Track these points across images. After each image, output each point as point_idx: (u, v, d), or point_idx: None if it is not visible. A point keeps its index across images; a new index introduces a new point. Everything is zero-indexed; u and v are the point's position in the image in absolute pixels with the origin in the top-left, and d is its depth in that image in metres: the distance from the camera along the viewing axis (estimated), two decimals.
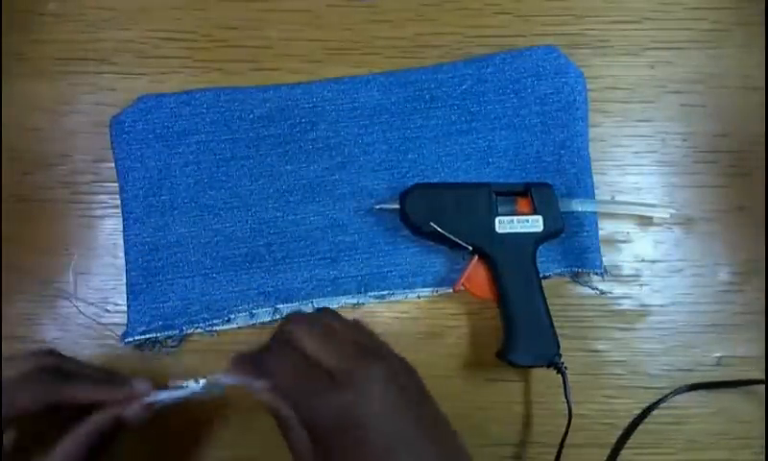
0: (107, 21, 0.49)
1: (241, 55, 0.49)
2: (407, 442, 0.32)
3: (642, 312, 0.47)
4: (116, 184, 0.47)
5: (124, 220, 0.47)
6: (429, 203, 0.45)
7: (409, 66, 0.49)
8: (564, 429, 0.43)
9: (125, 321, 0.46)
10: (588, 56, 0.50)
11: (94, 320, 0.46)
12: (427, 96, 0.48)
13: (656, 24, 0.50)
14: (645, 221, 0.48)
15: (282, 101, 0.48)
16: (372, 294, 0.46)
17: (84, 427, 0.34)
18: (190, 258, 0.46)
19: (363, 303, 0.47)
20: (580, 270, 0.47)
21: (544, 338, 0.43)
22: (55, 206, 0.48)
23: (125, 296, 0.46)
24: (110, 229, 0.47)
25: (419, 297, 0.47)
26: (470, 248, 0.44)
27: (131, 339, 0.45)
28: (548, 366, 0.44)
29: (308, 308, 0.46)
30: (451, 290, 0.46)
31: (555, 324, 0.44)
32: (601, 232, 0.47)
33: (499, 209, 0.45)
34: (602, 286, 0.47)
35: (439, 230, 0.44)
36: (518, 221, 0.44)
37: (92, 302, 0.46)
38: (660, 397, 0.46)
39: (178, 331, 0.45)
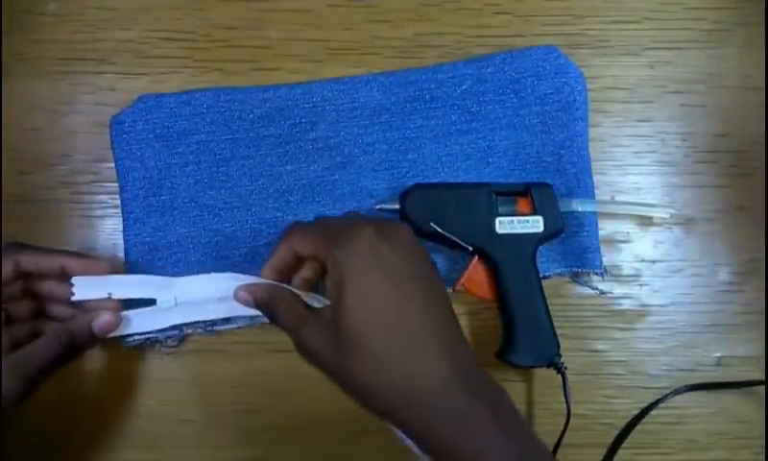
0: (107, 21, 0.49)
1: (241, 55, 0.49)
2: (386, 302, 0.33)
3: (642, 312, 0.47)
4: (116, 184, 0.47)
5: (124, 220, 0.47)
6: (429, 203, 0.45)
7: (409, 66, 0.49)
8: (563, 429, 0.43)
9: None
10: (587, 56, 0.49)
11: None
12: (427, 96, 0.48)
13: (656, 24, 0.50)
14: (645, 221, 0.48)
15: (282, 101, 0.48)
16: None
17: (62, 327, 0.39)
18: (190, 258, 0.46)
19: None
20: (580, 270, 0.47)
21: (544, 338, 0.43)
22: (55, 205, 0.48)
23: None
24: (110, 229, 0.47)
25: None
26: (470, 248, 0.44)
27: (131, 339, 0.45)
28: (548, 366, 0.44)
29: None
30: (451, 290, 0.46)
31: (555, 324, 0.44)
32: (601, 232, 0.47)
33: (499, 210, 0.45)
34: (602, 286, 0.47)
35: (439, 230, 0.44)
36: (519, 221, 0.44)
37: None
38: (659, 397, 0.46)
39: (178, 331, 0.45)
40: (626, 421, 0.45)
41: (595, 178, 0.48)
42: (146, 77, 0.49)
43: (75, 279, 0.40)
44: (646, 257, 0.48)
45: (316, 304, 0.37)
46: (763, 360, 0.46)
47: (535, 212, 0.45)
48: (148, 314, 0.42)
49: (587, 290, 0.47)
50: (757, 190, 0.49)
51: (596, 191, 0.48)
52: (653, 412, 0.45)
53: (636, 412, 0.45)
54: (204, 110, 0.48)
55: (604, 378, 0.47)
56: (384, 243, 0.34)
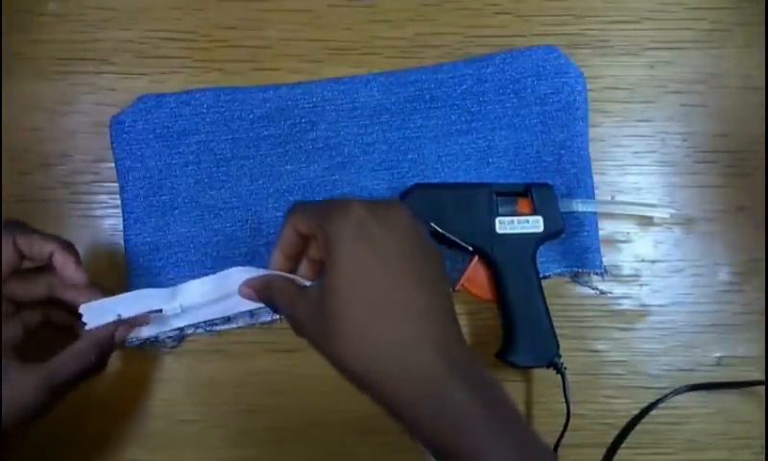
0: (107, 21, 0.49)
1: (241, 55, 0.49)
2: (371, 282, 0.32)
3: (642, 312, 0.47)
4: (116, 184, 0.47)
5: (124, 220, 0.47)
6: (429, 203, 0.45)
7: (409, 66, 0.49)
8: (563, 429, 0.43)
9: None
10: (588, 56, 0.49)
11: None
12: (427, 96, 0.48)
13: (656, 24, 0.50)
14: (645, 221, 0.48)
15: (282, 101, 0.48)
16: None
17: (92, 340, 0.39)
18: (191, 258, 0.46)
19: None
20: (580, 270, 0.47)
21: (544, 338, 0.43)
22: (55, 205, 0.48)
23: None
24: (110, 229, 0.47)
25: None
26: (471, 248, 0.44)
27: (131, 340, 0.45)
28: (548, 366, 0.44)
29: None
30: (451, 290, 0.46)
31: (555, 324, 0.44)
32: (601, 232, 0.47)
33: (499, 210, 0.45)
34: (602, 286, 0.47)
35: (439, 230, 0.44)
36: (519, 221, 0.44)
37: None
38: (659, 397, 0.46)
39: (178, 331, 0.45)
40: (626, 420, 0.45)
41: (595, 178, 0.48)
42: (146, 77, 0.49)
43: (83, 308, 0.39)
44: (646, 257, 0.48)
45: (307, 284, 0.37)
46: (763, 360, 0.46)
47: (535, 212, 0.45)
48: (156, 320, 0.42)
49: (587, 290, 0.47)
50: (757, 190, 0.49)
51: (596, 191, 0.48)
52: (653, 412, 0.45)
53: (636, 412, 0.45)
54: (205, 110, 0.48)
55: (604, 378, 0.47)
56: (374, 220, 0.33)
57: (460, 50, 0.49)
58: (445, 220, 0.44)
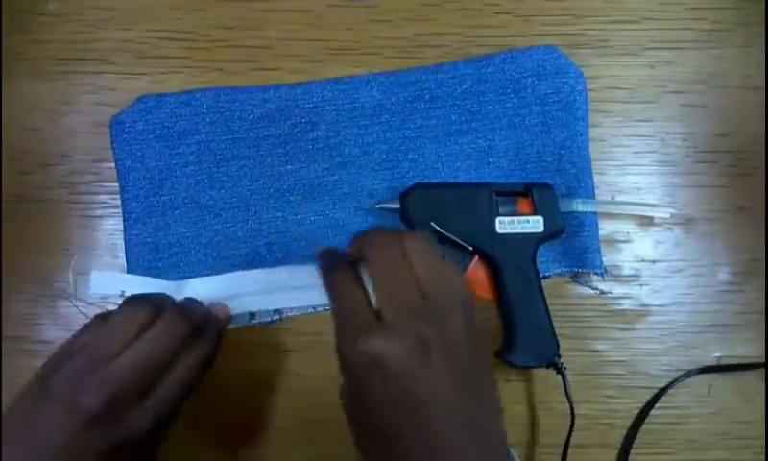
0: (107, 21, 0.49)
1: (241, 55, 0.49)
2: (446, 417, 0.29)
3: (642, 312, 0.47)
4: (116, 184, 0.47)
5: (124, 220, 0.47)
6: (429, 203, 0.45)
7: (409, 66, 0.49)
8: (565, 429, 0.43)
9: None
10: (588, 56, 0.49)
11: None
12: (427, 96, 0.48)
13: (656, 24, 0.50)
14: (645, 221, 0.48)
15: (282, 101, 0.48)
16: None
17: (193, 353, 0.37)
18: (191, 258, 0.46)
19: None
20: (580, 270, 0.47)
21: (544, 338, 0.43)
22: (55, 206, 0.48)
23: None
24: (110, 229, 0.47)
25: None
26: (471, 248, 0.44)
27: None
28: (548, 366, 0.44)
29: (307, 311, 0.46)
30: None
31: (555, 324, 0.44)
32: (601, 232, 0.47)
33: (500, 210, 0.45)
34: (602, 286, 0.47)
35: (439, 230, 0.44)
36: (519, 221, 0.44)
37: (92, 302, 0.46)
38: (668, 382, 0.46)
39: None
40: (626, 421, 0.45)
41: (595, 178, 0.48)
42: (146, 77, 0.49)
43: (94, 274, 0.40)
44: (646, 257, 0.48)
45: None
46: (763, 360, 0.46)
47: (535, 212, 0.45)
48: None
49: (587, 290, 0.47)
50: (757, 190, 0.49)
51: (596, 191, 0.48)
52: (653, 412, 0.45)
53: (636, 412, 0.45)
54: (205, 111, 0.48)
55: (604, 378, 0.47)
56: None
57: (460, 50, 0.49)
58: (445, 220, 0.44)
